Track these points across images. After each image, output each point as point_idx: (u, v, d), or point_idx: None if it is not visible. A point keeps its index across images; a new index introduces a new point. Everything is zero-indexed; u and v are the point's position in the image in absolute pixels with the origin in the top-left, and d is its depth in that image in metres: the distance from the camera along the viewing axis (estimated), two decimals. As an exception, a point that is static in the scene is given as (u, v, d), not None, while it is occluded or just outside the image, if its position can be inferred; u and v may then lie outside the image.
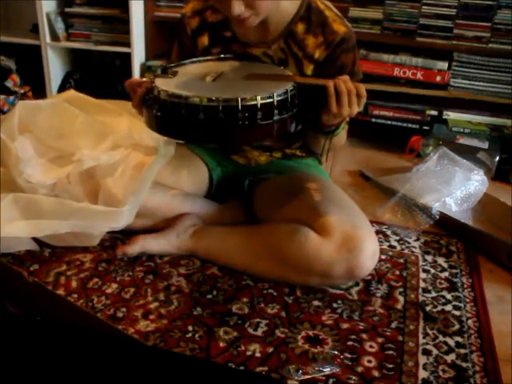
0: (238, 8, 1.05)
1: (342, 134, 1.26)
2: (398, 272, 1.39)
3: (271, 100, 1.03)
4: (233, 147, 1.46)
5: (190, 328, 1.15)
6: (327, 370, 1.05)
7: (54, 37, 2.48)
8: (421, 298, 1.28)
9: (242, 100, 1.01)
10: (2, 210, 1.28)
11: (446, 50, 2.15)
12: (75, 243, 1.40)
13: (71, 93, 1.64)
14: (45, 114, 1.49)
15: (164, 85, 1.08)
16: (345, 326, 1.18)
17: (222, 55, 1.27)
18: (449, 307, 1.26)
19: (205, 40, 1.29)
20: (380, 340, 1.14)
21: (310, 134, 1.32)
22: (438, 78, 2.16)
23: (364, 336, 1.15)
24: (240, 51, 1.26)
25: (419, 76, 2.17)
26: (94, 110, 1.55)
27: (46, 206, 1.30)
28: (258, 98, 1.02)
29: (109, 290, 1.26)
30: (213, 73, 1.15)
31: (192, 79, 1.15)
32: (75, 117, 1.49)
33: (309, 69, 1.24)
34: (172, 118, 1.07)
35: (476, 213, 1.68)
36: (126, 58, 2.45)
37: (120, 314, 1.18)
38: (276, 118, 1.05)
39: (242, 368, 1.05)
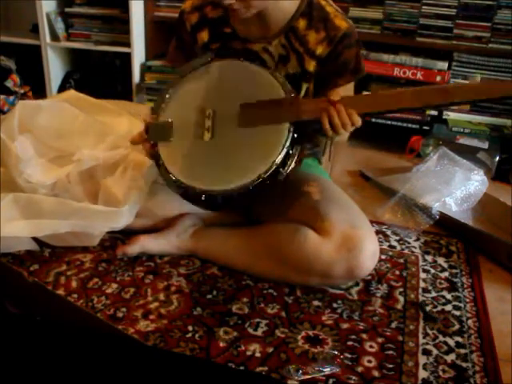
0: None
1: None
2: (398, 272, 1.39)
3: (273, 168, 1.06)
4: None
5: (190, 328, 1.15)
6: (327, 370, 1.05)
7: (54, 37, 2.48)
8: (421, 298, 1.28)
9: (249, 183, 1.06)
10: (2, 209, 1.28)
11: (446, 50, 2.15)
12: (75, 243, 1.40)
13: (71, 93, 1.64)
14: (45, 114, 1.49)
15: (169, 161, 1.13)
16: (345, 325, 1.18)
17: (209, 57, 1.20)
18: (449, 307, 1.26)
19: (204, 36, 1.29)
20: (380, 340, 1.14)
21: None
22: (438, 78, 2.16)
23: (364, 336, 1.15)
24: (240, 47, 1.26)
25: (419, 76, 2.17)
26: (95, 110, 1.56)
27: (45, 206, 1.31)
28: (262, 173, 1.06)
29: (109, 290, 1.26)
30: (205, 113, 1.12)
31: (190, 140, 1.13)
32: (75, 117, 1.50)
33: (311, 65, 1.24)
34: (189, 199, 1.17)
35: (476, 213, 1.68)
36: (126, 58, 2.45)
37: (120, 314, 1.18)
38: (283, 176, 1.08)
39: (242, 368, 1.05)
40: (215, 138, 1.11)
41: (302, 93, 1.26)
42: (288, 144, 1.07)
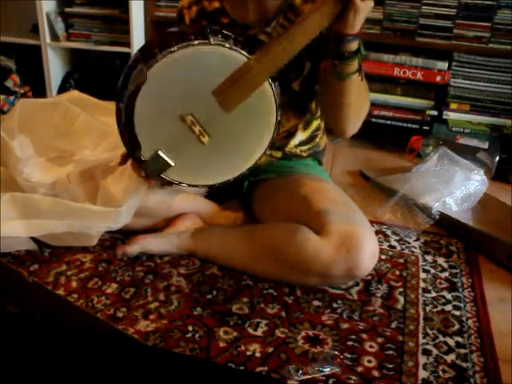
0: None
1: (360, 83, 1.15)
2: (398, 272, 1.39)
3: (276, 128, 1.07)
4: None
5: (190, 328, 1.15)
6: (327, 370, 1.05)
7: (54, 37, 2.48)
8: (421, 298, 1.28)
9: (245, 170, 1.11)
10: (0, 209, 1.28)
11: (446, 50, 2.15)
12: (73, 243, 1.39)
13: (74, 93, 1.64)
14: (45, 112, 1.50)
15: (184, 178, 1.11)
16: (345, 326, 1.18)
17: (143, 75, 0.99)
18: (449, 307, 1.26)
19: None
20: (380, 340, 1.14)
21: (328, 88, 1.19)
22: (438, 78, 2.15)
23: (364, 336, 1.15)
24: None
25: (419, 76, 2.17)
26: (97, 111, 1.56)
27: (43, 206, 1.30)
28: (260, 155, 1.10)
29: (109, 290, 1.26)
30: (187, 122, 1.03)
31: (191, 151, 1.06)
32: (76, 116, 1.50)
33: None
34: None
35: (476, 213, 1.68)
36: (126, 58, 2.45)
37: (120, 314, 1.18)
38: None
39: (242, 368, 1.05)
40: (212, 136, 1.06)
41: (305, 71, 1.26)
42: (278, 101, 1.05)
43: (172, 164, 1.07)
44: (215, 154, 1.08)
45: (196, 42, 0.97)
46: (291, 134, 1.40)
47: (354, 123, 1.23)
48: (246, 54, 1.00)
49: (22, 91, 2.52)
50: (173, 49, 0.96)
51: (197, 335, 1.13)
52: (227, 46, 0.98)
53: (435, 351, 1.12)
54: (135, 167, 1.17)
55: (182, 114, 1.02)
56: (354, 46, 1.05)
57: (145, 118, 1.01)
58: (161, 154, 1.05)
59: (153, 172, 1.09)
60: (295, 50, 1.01)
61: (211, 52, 0.98)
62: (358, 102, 1.18)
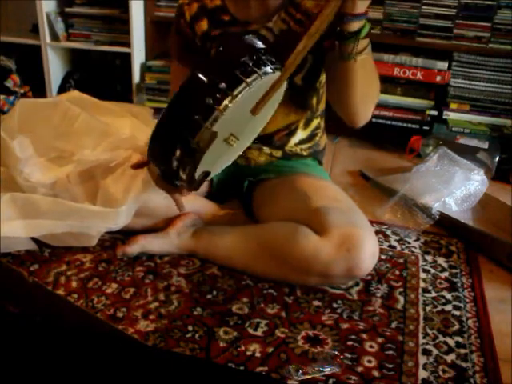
0: None
1: (368, 60, 1.17)
2: (397, 272, 1.39)
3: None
4: None
5: (190, 328, 1.15)
6: (327, 370, 1.05)
7: (54, 37, 2.48)
8: (421, 298, 1.28)
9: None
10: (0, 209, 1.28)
11: (446, 50, 2.15)
12: (73, 243, 1.39)
13: (74, 93, 1.64)
14: (45, 112, 1.50)
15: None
16: (345, 326, 1.18)
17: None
18: (449, 307, 1.26)
19: (204, 25, 1.30)
20: (380, 340, 1.14)
21: (332, 72, 1.22)
22: (438, 78, 2.16)
23: (364, 336, 1.15)
24: (239, 31, 1.25)
25: (419, 76, 2.17)
26: (97, 111, 1.56)
27: (42, 206, 1.30)
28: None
29: (109, 290, 1.26)
30: (228, 141, 1.07)
31: (223, 156, 1.15)
32: (76, 116, 1.50)
33: None
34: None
35: (476, 213, 1.68)
36: (126, 58, 2.45)
37: (120, 314, 1.18)
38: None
39: (242, 368, 1.05)
40: (239, 136, 1.10)
41: (308, 65, 1.26)
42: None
43: (211, 173, 1.13)
44: (236, 146, 1.12)
45: (249, 82, 0.96)
46: (291, 133, 1.40)
47: (362, 109, 1.22)
48: (279, 67, 1.01)
49: (22, 91, 2.52)
50: (234, 97, 0.96)
51: (197, 335, 1.13)
52: (269, 71, 0.99)
53: (435, 351, 1.12)
54: (165, 187, 1.22)
55: (225, 138, 1.06)
56: (354, 26, 1.04)
57: (203, 161, 1.03)
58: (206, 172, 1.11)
59: (195, 187, 1.14)
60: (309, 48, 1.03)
61: (260, 85, 0.98)
62: (363, 84, 1.16)
